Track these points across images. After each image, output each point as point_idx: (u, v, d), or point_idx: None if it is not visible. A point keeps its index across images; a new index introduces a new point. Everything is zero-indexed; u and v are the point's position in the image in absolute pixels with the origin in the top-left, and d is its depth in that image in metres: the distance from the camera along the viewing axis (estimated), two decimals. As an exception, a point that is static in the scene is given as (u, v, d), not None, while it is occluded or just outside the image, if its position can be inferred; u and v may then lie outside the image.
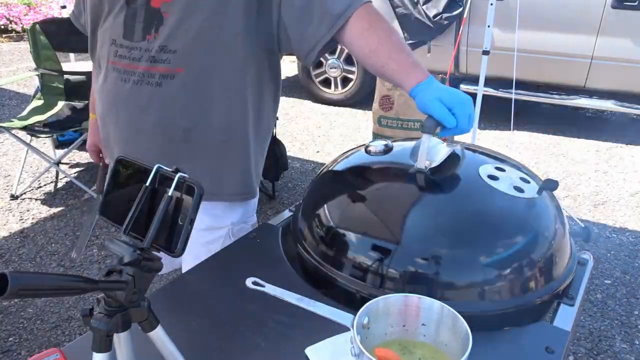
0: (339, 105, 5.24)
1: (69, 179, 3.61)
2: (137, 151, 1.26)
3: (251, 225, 1.44)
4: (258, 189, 1.43)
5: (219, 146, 1.27)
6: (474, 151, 1.29)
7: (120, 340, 0.69)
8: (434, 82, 1.14)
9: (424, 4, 4.42)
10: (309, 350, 0.88)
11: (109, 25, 1.24)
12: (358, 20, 1.16)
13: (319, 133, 4.59)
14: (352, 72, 5.10)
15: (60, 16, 5.03)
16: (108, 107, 1.29)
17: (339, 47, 4.99)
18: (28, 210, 3.29)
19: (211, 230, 1.37)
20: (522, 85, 4.20)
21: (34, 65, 3.61)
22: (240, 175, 1.34)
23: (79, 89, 3.71)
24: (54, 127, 3.52)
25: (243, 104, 1.26)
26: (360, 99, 5.13)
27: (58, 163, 3.66)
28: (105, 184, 0.75)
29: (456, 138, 1.81)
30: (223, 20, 1.17)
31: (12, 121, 3.48)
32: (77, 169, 3.90)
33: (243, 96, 1.25)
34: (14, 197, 3.43)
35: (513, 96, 3.78)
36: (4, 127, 3.31)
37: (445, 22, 4.38)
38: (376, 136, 3.47)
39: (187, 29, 1.16)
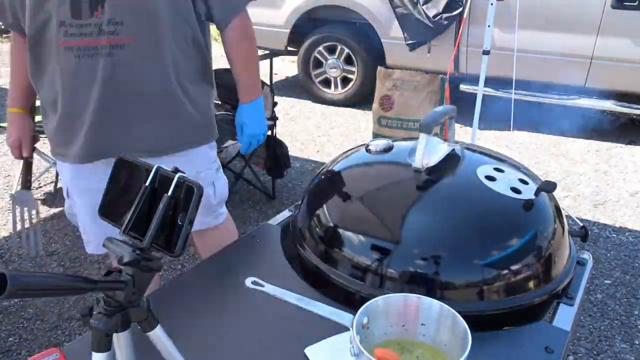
0: (339, 105, 5.23)
1: (69, 179, 3.61)
2: (103, 116, 1.39)
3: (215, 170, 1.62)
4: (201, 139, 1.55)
5: (160, 105, 1.43)
6: (474, 151, 1.29)
7: (120, 340, 0.69)
8: (258, 103, 1.60)
9: (424, 4, 4.41)
10: (308, 350, 0.88)
11: (52, 8, 1.30)
12: (237, 27, 1.50)
13: (319, 133, 4.59)
14: (352, 72, 5.09)
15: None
16: (68, 84, 1.37)
17: (339, 47, 5.02)
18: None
19: None
20: (522, 85, 4.20)
21: (34, 65, 3.61)
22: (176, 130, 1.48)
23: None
24: (54, 127, 3.52)
25: (172, 68, 1.41)
26: (360, 99, 5.12)
27: (58, 163, 3.66)
28: (106, 184, 0.75)
29: (458, 138, 1.79)
30: None
31: (12, 121, 3.47)
32: (77, 169, 3.90)
33: (175, 60, 1.41)
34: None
35: (513, 96, 3.78)
36: (4, 127, 3.31)
37: (445, 22, 4.38)
38: (376, 136, 3.47)
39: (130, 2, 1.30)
